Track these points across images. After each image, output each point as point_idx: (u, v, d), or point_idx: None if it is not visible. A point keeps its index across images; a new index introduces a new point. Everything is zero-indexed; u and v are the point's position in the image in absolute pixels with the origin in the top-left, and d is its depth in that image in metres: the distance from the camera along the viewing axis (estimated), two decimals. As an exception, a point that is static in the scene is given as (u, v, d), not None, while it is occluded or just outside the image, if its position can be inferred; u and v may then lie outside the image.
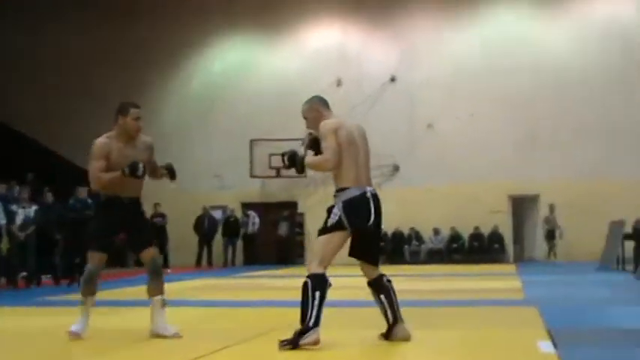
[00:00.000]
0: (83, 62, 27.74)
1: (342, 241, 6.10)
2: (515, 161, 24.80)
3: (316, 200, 25.87)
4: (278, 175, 25.40)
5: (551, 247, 23.63)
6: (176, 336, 6.58)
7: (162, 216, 22.57)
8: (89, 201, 15.68)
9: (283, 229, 26.25)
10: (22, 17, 28.12)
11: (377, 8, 26.54)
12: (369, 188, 6.17)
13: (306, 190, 26.04)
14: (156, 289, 6.74)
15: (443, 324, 7.88)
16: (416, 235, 25.47)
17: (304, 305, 5.80)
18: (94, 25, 27.91)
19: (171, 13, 27.64)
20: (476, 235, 25.08)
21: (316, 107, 6.44)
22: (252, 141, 26.00)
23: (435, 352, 5.97)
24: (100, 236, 6.79)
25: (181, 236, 24.19)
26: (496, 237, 24.99)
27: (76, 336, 6.68)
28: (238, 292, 13.15)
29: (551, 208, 23.78)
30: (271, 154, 25.11)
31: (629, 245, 18.03)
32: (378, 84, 26.13)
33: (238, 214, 26.11)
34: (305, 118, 6.49)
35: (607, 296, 11.01)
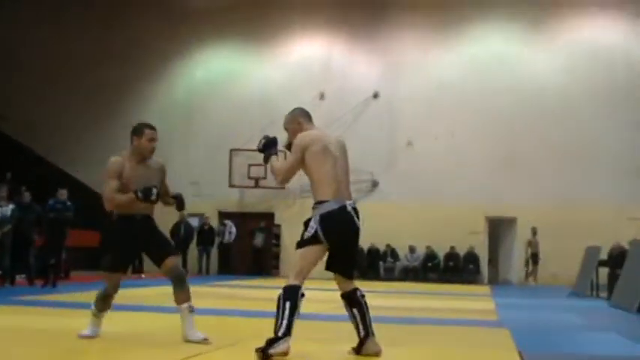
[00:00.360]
0: (67, 62, 27.63)
1: (319, 255, 6.07)
2: (493, 183, 24.91)
3: (294, 212, 25.87)
4: (257, 185, 25.40)
5: (534, 271, 23.71)
6: (205, 342, 6.57)
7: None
8: (68, 203, 15.64)
9: (259, 239, 26.19)
10: (10, 14, 27.97)
11: (363, 23, 26.66)
12: (348, 202, 6.13)
13: (284, 201, 26.02)
14: (181, 296, 6.74)
15: (415, 341, 7.89)
16: (391, 252, 25.49)
17: (276, 315, 5.85)
18: (80, 26, 27.85)
19: (158, 18, 27.62)
20: (451, 255, 25.14)
21: (297, 120, 6.43)
22: (232, 150, 25.97)
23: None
24: (116, 257, 6.83)
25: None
26: (471, 258, 25.05)
27: (87, 338, 6.81)
28: (210, 301, 13.08)
29: (534, 231, 23.84)
30: (250, 165, 25.11)
31: (604, 272, 18.12)
32: (361, 99, 26.20)
33: (215, 222, 26.04)
34: (286, 129, 6.48)
35: (580, 322, 11.04)
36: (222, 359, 6.14)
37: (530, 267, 23.79)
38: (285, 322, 5.79)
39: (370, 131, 25.67)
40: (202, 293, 15.05)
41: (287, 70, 27.04)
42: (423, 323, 9.81)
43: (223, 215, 26.38)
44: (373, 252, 25.38)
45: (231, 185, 26.10)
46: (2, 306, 10.74)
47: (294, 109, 6.59)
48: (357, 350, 6.18)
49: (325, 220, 5.99)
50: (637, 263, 13.89)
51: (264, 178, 25.18)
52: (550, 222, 23.82)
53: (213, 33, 27.62)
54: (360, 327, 6.16)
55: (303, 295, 5.96)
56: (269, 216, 26.54)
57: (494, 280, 25.40)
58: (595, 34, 25.46)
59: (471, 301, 15.25)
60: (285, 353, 5.75)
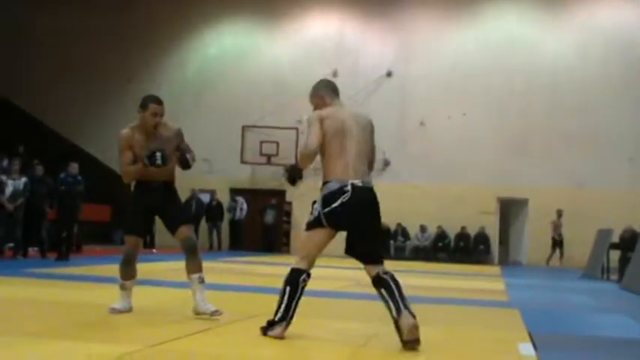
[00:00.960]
0: (81, 39, 27.67)
1: (325, 238, 5.84)
2: (505, 163, 24.85)
3: (305, 189, 25.67)
4: (269, 162, 25.40)
5: (561, 254, 23.27)
6: (216, 314, 6.61)
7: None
8: (79, 177, 15.70)
9: (270, 216, 26.22)
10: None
11: (376, 1, 26.50)
12: (354, 181, 5.79)
13: (295, 179, 26.01)
14: (193, 267, 6.78)
15: (425, 321, 7.87)
16: (402, 231, 25.49)
17: (279, 298, 5.80)
18: (94, 3, 27.85)
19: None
20: (462, 235, 25.13)
21: (320, 94, 6.19)
22: (244, 127, 25.97)
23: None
24: (132, 221, 6.92)
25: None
26: (482, 238, 25.04)
27: (117, 312, 6.82)
28: (221, 276, 13.14)
29: (559, 213, 23.48)
30: (262, 141, 25.11)
31: (615, 255, 18.10)
32: (374, 77, 26.10)
33: (226, 199, 26.10)
34: (311, 102, 6.25)
35: (590, 304, 11.05)
36: (232, 334, 6.17)
37: (558, 249, 23.33)
38: (283, 306, 5.73)
39: (383, 110, 25.54)
40: (212, 268, 15.14)
41: (299, 47, 26.95)
42: (432, 302, 9.82)
43: (235, 192, 26.42)
44: (384, 231, 25.38)
45: (243, 162, 26.12)
46: (15, 278, 10.83)
47: (319, 82, 6.35)
48: (399, 335, 5.64)
49: (326, 202, 5.76)
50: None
51: (276, 155, 25.21)
52: (562, 204, 23.75)
53: (224, 10, 27.54)
54: (391, 305, 5.67)
55: (305, 280, 5.78)
56: (280, 193, 26.54)
57: (505, 261, 25.40)
58: (610, 15, 25.24)
59: (481, 281, 15.27)
60: (280, 338, 5.71)
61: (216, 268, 15.28)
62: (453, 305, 9.64)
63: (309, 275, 5.82)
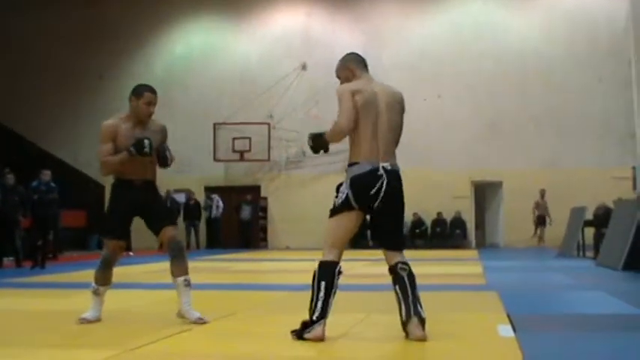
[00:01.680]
0: (47, 41, 27.43)
1: (354, 222, 5.57)
2: (478, 147, 24.99)
3: (279, 184, 25.95)
4: (242, 158, 25.37)
5: (541, 233, 23.40)
6: (199, 321, 6.35)
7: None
8: (52, 184, 15.58)
9: (246, 213, 26.17)
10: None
11: (342, -8, 26.53)
12: (384, 164, 5.49)
13: (269, 174, 26.02)
14: (178, 269, 6.51)
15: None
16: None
17: (311, 295, 5.43)
18: (57, 6, 27.62)
19: (135, -5, 27.40)
20: (438, 221, 25.24)
21: (349, 66, 5.86)
22: (215, 124, 25.90)
23: (396, 335, 6.00)
24: (112, 223, 6.57)
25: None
26: (458, 223, 25.16)
27: (87, 322, 6.51)
28: (201, 275, 13.11)
29: (542, 193, 23.52)
30: (235, 138, 25.05)
31: (590, 232, 18.24)
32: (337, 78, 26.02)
33: (202, 197, 26.02)
34: (338, 77, 5.93)
35: (567, 282, 11.13)
36: (214, 332, 6.15)
37: (539, 229, 23.45)
38: (320, 303, 5.36)
39: (353, 100, 25.62)
40: (193, 268, 15.11)
41: (267, 42, 26.91)
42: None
43: (209, 190, 26.35)
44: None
45: (216, 159, 26.06)
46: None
47: (347, 54, 6.00)
48: (405, 334, 5.58)
49: (355, 183, 5.46)
50: (621, 222, 13.99)
51: (249, 150, 25.18)
52: (535, 185, 23.92)
53: (191, 7, 27.43)
54: (403, 307, 5.55)
55: (340, 272, 5.51)
56: (255, 189, 26.51)
57: (482, 244, 25.56)
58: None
59: (459, 265, 15.36)
60: (319, 339, 5.37)
61: (195, 268, 15.24)
62: (432, 291, 9.63)
63: (341, 267, 5.54)
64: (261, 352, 5.30)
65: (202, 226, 25.74)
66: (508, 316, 6.77)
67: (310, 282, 5.48)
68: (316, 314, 5.36)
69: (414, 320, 5.47)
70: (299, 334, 5.42)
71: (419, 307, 5.54)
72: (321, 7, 26.91)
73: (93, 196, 26.15)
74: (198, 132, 26.15)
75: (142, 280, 11.55)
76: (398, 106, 5.72)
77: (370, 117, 5.51)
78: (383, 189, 5.44)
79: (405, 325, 5.51)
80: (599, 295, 8.97)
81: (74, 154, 26.38)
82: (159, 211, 6.63)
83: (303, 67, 26.15)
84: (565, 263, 15.68)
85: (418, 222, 25.28)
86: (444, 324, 6.56)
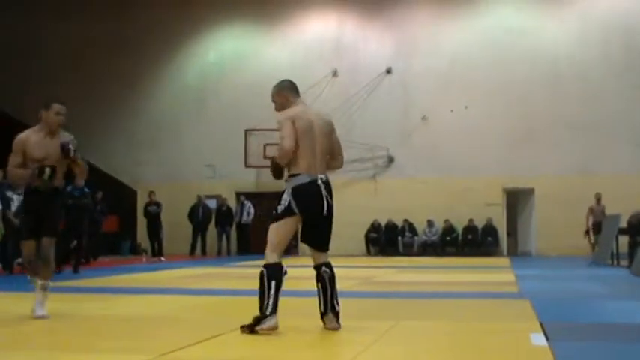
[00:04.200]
0: (79, 50, 27.67)
1: (294, 227, 6.34)
2: (510, 154, 24.81)
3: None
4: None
5: (596, 241, 20.87)
6: (43, 317, 7.14)
7: (157, 204, 22.66)
8: (86, 190, 15.75)
9: (277, 219, 26.11)
10: (23, 4, 28.02)
11: (373, -1, 26.50)
12: (320, 176, 6.31)
13: (300, 180, 26.04)
14: (41, 273, 7.33)
15: (436, 315, 7.89)
16: (409, 227, 25.45)
17: (261, 294, 6.05)
18: (93, 12, 27.90)
19: (168, 4, 27.54)
20: (470, 228, 25.08)
21: (284, 94, 6.64)
22: (246, 131, 25.98)
23: (427, 343, 5.98)
24: (24, 225, 7.47)
25: (176, 225, 24.23)
26: (490, 230, 24.99)
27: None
28: (230, 281, 13.16)
29: (598, 198, 21.58)
30: (266, 144, 25.10)
31: (624, 240, 18.03)
32: (374, 75, 26.05)
33: (233, 203, 26.09)
34: (273, 101, 6.70)
35: (601, 291, 11.01)
36: (243, 339, 6.15)
37: (593, 237, 21.15)
38: (271, 300, 5.99)
39: (385, 107, 25.60)
40: (223, 274, 15.16)
41: (298, 48, 26.94)
42: (443, 297, 9.82)
43: (240, 196, 26.41)
44: (391, 227, 25.37)
45: (247, 166, 26.14)
46: (25, 292, 10.81)
47: (282, 82, 6.80)
48: (323, 323, 6.34)
49: (297, 192, 6.22)
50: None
51: (281, 157, 25.24)
52: (568, 192, 23.71)
53: (222, 14, 27.53)
54: (322, 302, 6.30)
55: (285, 272, 6.18)
56: (286, 195, 26.47)
57: (514, 252, 25.36)
58: (607, 1, 25.19)
59: (491, 273, 15.25)
60: (275, 328, 5.98)
61: (226, 274, 15.30)
62: (463, 299, 9.62)
63: (285, 267, 6.22)
64: (289, 358, 5.30)
65: (233, 232, 25.79)
66: (541, 324, 6.71)
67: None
68: (269, 309, 5.98)
69: (330, 315, 6.28)
70: (251, 328, 6.00)
71: (335, 303, 6.29)
72: (352, 13, 26.90)
73: (126, 201, 26.37)
74: (229, 138, 26.23)
75: (173, 285, 11.60)
76: (328, 128, 6.52)
77: (307, 140, 6.30)
78: (324, 197, 6.29)
79: (322, 316, 6.31)
80: (633, 305, 8.87)
81: (107, 161, 26.57)
82: (45, 220, 7.30)
83: (335, 73, 26.17)
84: (598, 272, 15.52)
85: (449, 229, 25.15)
86: (476, 332, 6.53)
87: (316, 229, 6.40)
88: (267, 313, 5.97)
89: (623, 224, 18.25)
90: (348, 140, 23.69)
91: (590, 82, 24.75)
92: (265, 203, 26.29)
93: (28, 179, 7.19)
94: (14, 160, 7.23)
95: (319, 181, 6.30)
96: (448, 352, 5.37)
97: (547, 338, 5.92)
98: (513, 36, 25.45)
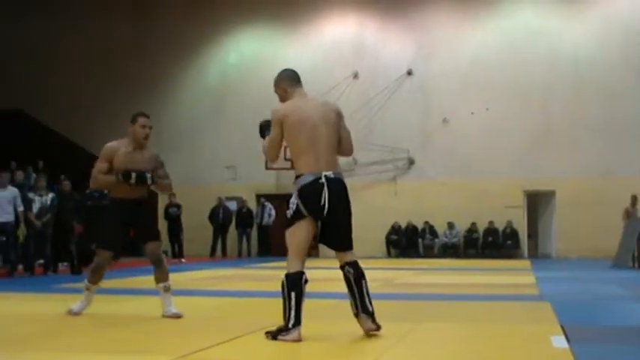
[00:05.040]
0: (103, 53, 27.86)
1: (309, 229, 6.02)
2: (530, 156, 24.70)
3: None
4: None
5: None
6: (175, 315, 7.30)
7: (178, 206, 22.75)
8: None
9: (298, 221, 26.15)
10: (46, 5, 28.24)
11: (393, 1, 26.45)
12: (325, 173, 5.99)
13: (320, 182, 26.05)
14: (159, 277, 7.47)
15: (456, 318, 7.88)
16: (430, 229, 25.39)
17: (284, 305, 5.87)
18: (116, 16, 28.10)
19: (190, 4, 27.66)
20: (490, 230, 24.99)
21: (281, 85, 6.38)
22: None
23: (447, 346, 5.97)
24: (107, 236, 7.49)
25: (196, 227, 24.30)
26: (510, 232, 24.90)
27: (74, 314, 7.57)
28: (251, 283, 13.19)
29: (634, 200, 19.96)
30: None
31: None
32: (394, 77, 26.01)
33: (253, 205, 26.13)
34: (275, 92, 6.49)
35: (622, 294, 10.95)
36: (264, 341, 6.17)
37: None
38: (293, 312, 5.80)
39: (405, 109, 25.56)
40: (244, 275, 15.20)
41: (319, 50, 26.96)
42: (464, 299, 9.79)
43: (260, 197, 26.46)
44: (411, 229, 25.32)
45: (268, 168, 26.18)
46: (47, 294, 10.92)
47: (281, 73, 6.47)
48: (360, 325, 6.13)
49: (302, 193, 5.98)
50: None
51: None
52: (589, 194, 23.58)
53: (243, 16, 27.60)
54: (352, 303, 6.09)
55: (306, 281, 5.93)
56: (306, 197, 26.50)
57: (534, 255, 25.24)
58: (629, 2, 25.03)
59: (512, 275, 15.19)
60: (297, 341, 5.78)
61: (246, 275, 15.34)
62: (484, 301, 9.59)
63: (306, 276, 5.96)
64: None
65: (254, 233, 25.84)
66: (562, 326, 6.69)
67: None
68: (292, 322, 5.77)
69: (363, 316, 6.00)
70: (274, 336, 5.83)
71: (367, 303, 6.01)
72: (372, 15, 26.88)
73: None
74: (250, 140, 26.14)
75: (194, 287, 11.64)
76: (333, 116, 6.16)
77: (307, 133, 5.99)
78: (325, 196, 5.91)
79: (356, 317, 6.07)
80: (655, 307, 8.81)
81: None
82: (144, 228, 7.54)
83: (355, 75, 26.16)
84: (620, 274, 15.42)
85: (470, 231, 25.06)
86: (497, 334, 6.52)
87: (330, 229, 6.08)
88: (290, 325, 5.79)
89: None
90: (368, 142, 23.85)
91: (610, 84, 24.59)
92: (286, 205, 26.37)
93: (114, 184, 7.35)
94: (100, 166, 7.40)
95: (322, 178, 5.97)
96: (468, 355, 5.36)
97: (568, 341, 5.91)
98: (533, 37, 25.33)
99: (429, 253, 25.00)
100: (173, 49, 27.61)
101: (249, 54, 27.75)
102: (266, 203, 25.84)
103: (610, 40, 24.87)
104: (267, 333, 5.94)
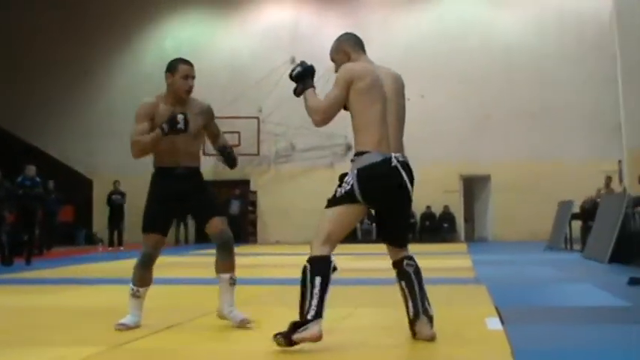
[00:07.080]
0: (31, 36, 27.27)
1: (355, 216, 5.05)
2: (466, 142, 25.00)
3: (269, 178, 25.90)
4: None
5: None
6: (244, 323, 5.78)
7: (122, 194, 22.48)
8: (37, 179, 15.49)
9: (235, 207, 26.10)
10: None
11: (331, -14, 26.45)
12: (396, 154, 5.12)
13: (258, 168, 25.96)
14: (222, 265, 5.88)
15: (392, 302, 7.89)
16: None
17: (303, 295, 4.75)
18: (45, 2, 27.49)
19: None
20: (427, 215, 25.23)
21: (344, 48, 5.47)
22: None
23: (383, 330, 5.97)
24: (153, 216, 5.88)
25: (140, 213, 23.93)
26: (447, 216, 25.17)
27: (125, 328, 5.82)
28: (188, 270, 13.07)
29: (607, 181, 18.59)
30: (224, 132, 24.83)
31: (577, 226, 18.27)
32: (331, 62, 25.90)
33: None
34: (332, 60, 5.52)
35: (555, 275, 11.14)
36: (199, 329, 6.09)
37: None
38: (315, 301, 4.68)
39: (342, 94, 25.58)
40: (181, 263, 15.06)
41: (256, 36, 26.84)
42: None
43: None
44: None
45: (205, 154, 25.86)
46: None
47: (342, 35, 5.58)
48: (412, 333, 5.21)
49: (364, 175, 4.93)
50: (608, 215, 14.01)
51: (238, 145, 25.09)
52: (523, 178, 24.00)
53: (179, 1, 27.32)
54: (410, 305, 5.16)
55: (335, 268, 4.92)
56: (244, 183, 26.43)
57: (471, 238, 25.58)
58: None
59: (448, 259, 15.34)
60: (318, 337, 4.68)
61: (184, 262, 15.20)
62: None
63: (335, 262, 4.97)
64: (248, 348, 5.26)
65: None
66: (496, 308, 6.75)
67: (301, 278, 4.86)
68: (311, 313, 4.66)
69: (423, 319, 5.12)
70: (287, 338, 4.70)
71: (427, 305, 5.18)
72: (309, 1, 26.85)
73: (81, 191, 26.06)
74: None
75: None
76: (402, 91, 5.37)
77: (378, 103, 5.10)
78: (395, 182, 5.05)
79: (412, 323, 5.15)
80: (586, 288, 8.97)
81: (62, 150, 26.26)
82: (203, 203, 5.99)
83: (292, 60, 26.03)
84: (553, 256, 15.70)
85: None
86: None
87: (391, 221, 5.27)
88: (310, 317, 4.64)
89: (576, 209, 18.49)
90: (305, 128, 23.78)
91: (544, 70, 25.03)
92: (223, 191, 26.19)
93: (160, 140, 5.67)
94: (140, 127, 5.73)
95: (394, 161, 5.06)
96: (403, 338, 5.36)
97: (502, 322, 5.96)
98: (468, 24, 25.62)
99: (367, 237, 25.09)
100: (106, 34, 27.25)
101: (186, 39, 27.45)
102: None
103: (544, 28, 25.29)
104: (276, 336, 4.76)
